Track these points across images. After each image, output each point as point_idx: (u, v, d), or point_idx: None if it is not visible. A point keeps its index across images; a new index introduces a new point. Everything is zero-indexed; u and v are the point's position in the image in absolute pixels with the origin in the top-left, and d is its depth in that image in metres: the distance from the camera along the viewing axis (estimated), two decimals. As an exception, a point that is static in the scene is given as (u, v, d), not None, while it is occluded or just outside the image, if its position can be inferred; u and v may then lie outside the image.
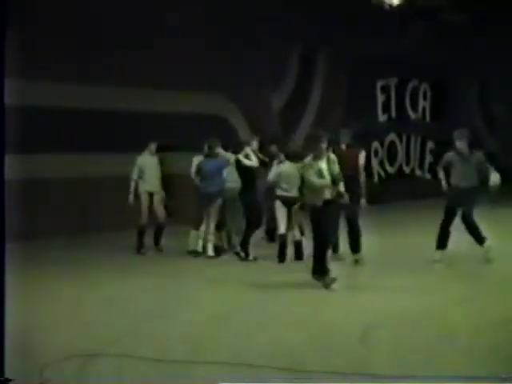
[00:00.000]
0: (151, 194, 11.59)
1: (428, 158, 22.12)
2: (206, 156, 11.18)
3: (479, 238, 10.39)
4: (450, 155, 10.52)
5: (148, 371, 5.63)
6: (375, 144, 20.46)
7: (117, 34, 13.42)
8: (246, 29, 15.53)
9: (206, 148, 11.24)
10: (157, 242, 11.73)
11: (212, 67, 15.05)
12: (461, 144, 10.34)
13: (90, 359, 5.85)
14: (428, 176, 21.70)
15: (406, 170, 21.66)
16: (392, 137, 21.15)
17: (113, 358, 5.93)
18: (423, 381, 5.31)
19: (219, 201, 11.09)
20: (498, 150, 23.01)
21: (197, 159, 11.37)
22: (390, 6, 17.70)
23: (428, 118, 22.44)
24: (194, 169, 11.33)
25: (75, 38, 13.03)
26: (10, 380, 4.40)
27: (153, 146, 11.69)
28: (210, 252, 11.03)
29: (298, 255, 10.74)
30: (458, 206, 10.36)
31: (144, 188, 11.55)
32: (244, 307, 7.91)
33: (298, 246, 10.77)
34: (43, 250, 11.55)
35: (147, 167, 11.56)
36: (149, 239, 11.67)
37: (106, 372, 5.60)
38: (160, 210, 11.66)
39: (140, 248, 11.53)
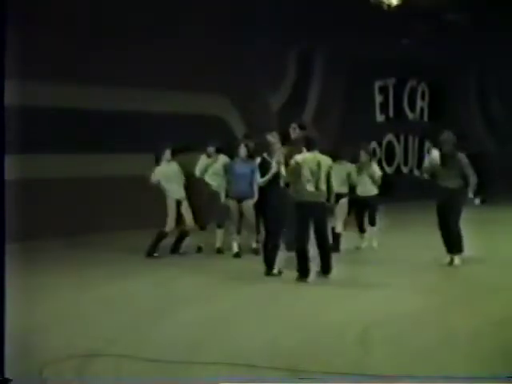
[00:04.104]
0: (178, 201, 11.33)
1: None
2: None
3: (458, 246, 10.29)
4: (433, 159, 10.51)
5: (147, 371, 5.63)
6: (373, 144, 20.45)
7: (116, 34, 13.41)
8: (244, 29, 15.53)
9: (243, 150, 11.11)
10: (176, 249, 11.45)
11: (211, 68, 15.02)
12: (447, 148, 10.35)
13: (90, 359, 5.85)
14: (426, 176, 21.70)
15: (404, 170, 21.67)
16: (390, 137, 21.17)
17: (113, 358, 5.93)
18: (423, 381, 5.31)
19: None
20: (496, 150, 23.03)
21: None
22: (389, 6, 17.70)
23: (426, 119, 22.46)
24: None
25: (75, 38, 13.02)
26: (10, 380, 4.40)
27: (168, 153, 11.34)
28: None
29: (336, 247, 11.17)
30: (445, 207, 10.33)
31: (171, 196, 11.29)
32: (241, 304, 7.93)
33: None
34: (43, 250, 11.56)
35: (168, 176, 11.29)
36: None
37: (105, 372, 5.60)
38: (188, 217, 11.38)
39: (153, 252, 11.19)
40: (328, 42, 17.69)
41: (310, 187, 9.19)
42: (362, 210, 12.04)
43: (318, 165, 9.25)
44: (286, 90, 17.85)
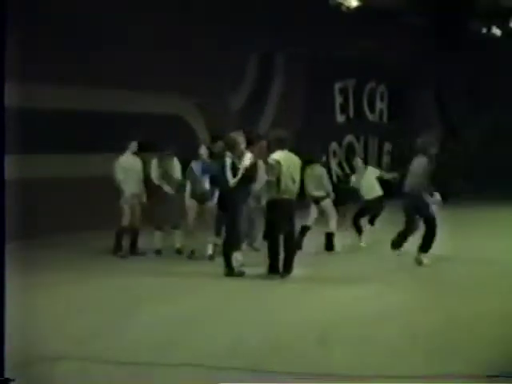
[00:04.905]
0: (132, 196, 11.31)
1: (385, 159, 22.14)
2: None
3: (427, 246, 10.30)
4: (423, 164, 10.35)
5: (114, 374, 5.57)
6: (333, 145, 20.44)
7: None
8: (206, 29, 15.47)
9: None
10: (134, 249, 11.47)
11: (172, 67, 14.89)
12: (431, 152, 10.34)
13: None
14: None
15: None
16: (350, 138, 21.17)
17: (80, 361, 5.84)
18: (390, 381, 5.29)
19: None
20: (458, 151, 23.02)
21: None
22: (348, 8, 17.78)
23: (385, 120, 22.51)
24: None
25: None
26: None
27: (134, 145, 11.34)
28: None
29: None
30: (414, 213, 10.48)
31: (128, 190, 11.28)
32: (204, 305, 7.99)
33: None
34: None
35: (130, 168, 11.28)
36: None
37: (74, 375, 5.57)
38: (138, 214, 11.40)
39: (118, 250, 11.26)
40: (288, 43, 17.65)
41: (290, 185, 9.42)
42: (362, 213, 12.11)
43: (293, 163, 9.59)
44: (247, 90, 17.80)
